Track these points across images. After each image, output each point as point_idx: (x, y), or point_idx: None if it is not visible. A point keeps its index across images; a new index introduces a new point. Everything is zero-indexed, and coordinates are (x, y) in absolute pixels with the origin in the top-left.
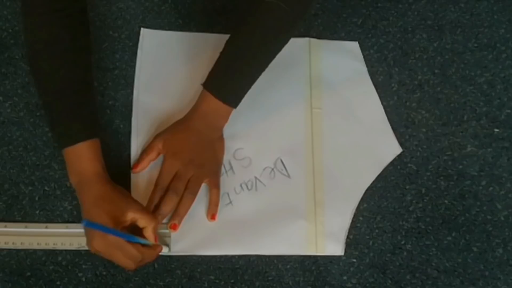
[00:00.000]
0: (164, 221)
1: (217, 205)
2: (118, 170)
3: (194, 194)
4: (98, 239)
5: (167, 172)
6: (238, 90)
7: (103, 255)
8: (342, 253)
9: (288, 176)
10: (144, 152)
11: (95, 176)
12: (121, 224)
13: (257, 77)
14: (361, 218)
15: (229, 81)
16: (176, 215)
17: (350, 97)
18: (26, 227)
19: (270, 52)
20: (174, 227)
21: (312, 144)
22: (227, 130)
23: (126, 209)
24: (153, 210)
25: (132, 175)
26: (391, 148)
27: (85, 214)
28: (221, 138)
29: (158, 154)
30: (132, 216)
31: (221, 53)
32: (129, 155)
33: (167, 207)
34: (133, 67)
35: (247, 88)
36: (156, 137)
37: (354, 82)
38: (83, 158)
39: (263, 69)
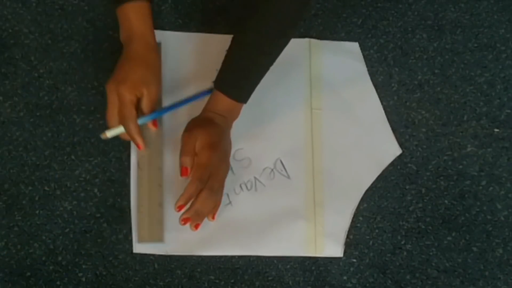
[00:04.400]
0: (180, 213)
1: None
2: (118, 170)
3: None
4: (112, 81)
5: (205, 165)
6: (248, 87)
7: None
8: (341, 255)
9: (288, 176)
10: (183, 152)
11: (136, 36)
12: (135, 91)
13: (265, 73)
14: (361, 218)
15: (239, 80)
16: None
17: (350, 97)
18: None
19: (278, 47)
20: (196, 227)
21: (312, 145)
22: None
23: (145, 83)
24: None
25: (131, 173)
26: (391, 149)
27: (117, 66)
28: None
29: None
30: (145, 92)
31: (228, 51)
32: (129, 155)
33: (204, 206)
34: None
35: (256, 84)
36: (188, 134)
37: (354, 83)
38: (130, 18)
39: (271, 64)
